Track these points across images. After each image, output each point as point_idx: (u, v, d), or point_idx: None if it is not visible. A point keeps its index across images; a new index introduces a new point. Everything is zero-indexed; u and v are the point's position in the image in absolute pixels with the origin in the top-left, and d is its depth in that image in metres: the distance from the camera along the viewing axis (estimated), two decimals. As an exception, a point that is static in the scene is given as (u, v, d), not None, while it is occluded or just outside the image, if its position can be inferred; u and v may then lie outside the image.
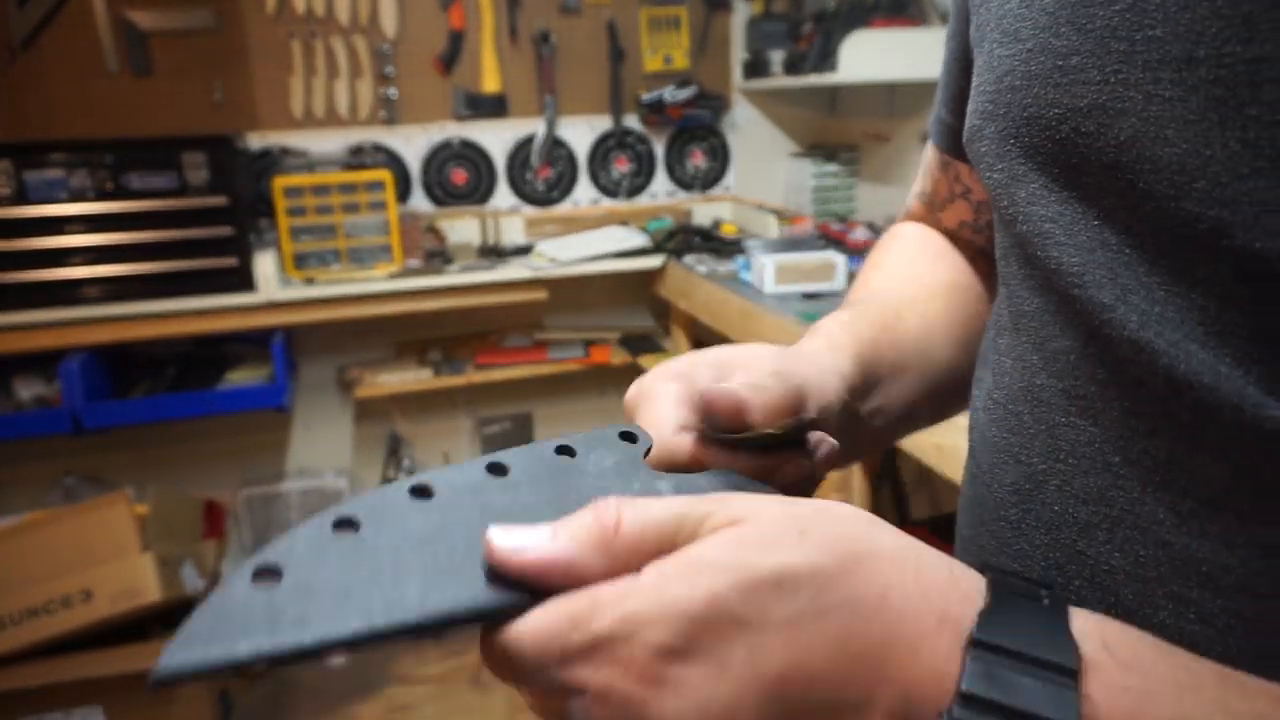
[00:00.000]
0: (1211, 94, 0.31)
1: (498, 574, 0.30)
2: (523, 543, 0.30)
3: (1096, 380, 0.37)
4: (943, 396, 0.54)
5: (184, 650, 0.27)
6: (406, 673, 2.37)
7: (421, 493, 0.32)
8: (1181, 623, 0.34)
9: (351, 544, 0.30)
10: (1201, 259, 0.32)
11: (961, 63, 0.54)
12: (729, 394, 0.37)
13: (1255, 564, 0.32)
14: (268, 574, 0.28)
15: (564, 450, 0.37)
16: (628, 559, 0.30)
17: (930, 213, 0.63)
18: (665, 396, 0.40)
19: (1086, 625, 0.29)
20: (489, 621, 0.30)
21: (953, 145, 0.57)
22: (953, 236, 0.62)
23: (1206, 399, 0.32)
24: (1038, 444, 0.41)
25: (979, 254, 0.60)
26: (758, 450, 0.39)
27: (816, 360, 0.45)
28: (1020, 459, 0.42)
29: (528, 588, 0.30)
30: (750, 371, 0.41)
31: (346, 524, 0.30)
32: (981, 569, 0.31)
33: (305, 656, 0.28)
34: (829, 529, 0.30)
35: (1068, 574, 0.39)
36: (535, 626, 0.29)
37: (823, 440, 0.41)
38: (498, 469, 0.34)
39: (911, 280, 0.57)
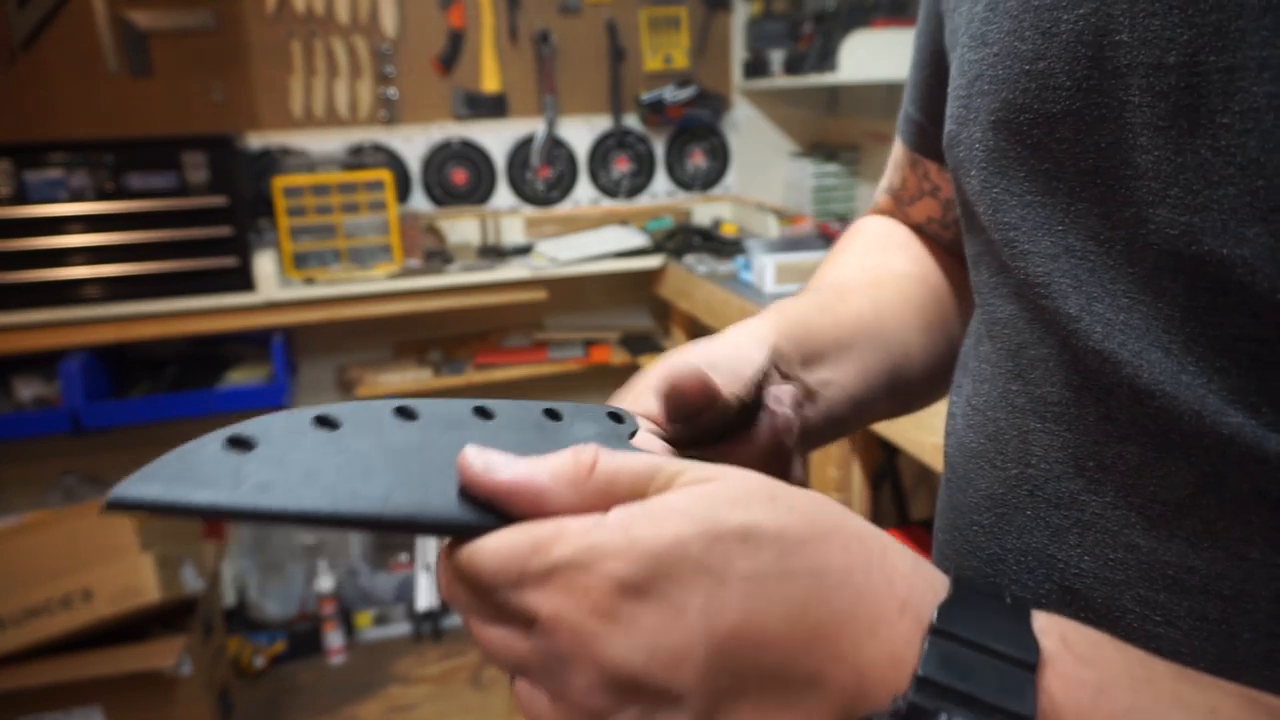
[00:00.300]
0: (1181, 101, 0.31)
1: (468, 493, 0.30)
2: (496, 463, 0.30)
3: (1070, 387, 0.37)
4: (905, 379, 0.54)
5: (143, 484, 0.27)
6: (406, 673, 2.37)
7: (406, 414, 0.32)
8: (1148, 625, 0.35)
9: (328, 438, 0.30)
10: (1169, 267, 0.32)
11: (930, 64, 0.54)
12: (692, 371, 0.38)
13: (1220, 567, 0.32)
14: (241, 444, 0.29)
15: (551, 413, 0.37)
16: (597, 500, 0.30)
17: (899, 207, 0.63)
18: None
19: (1046, 623, 0.29)
20: (452, 535, 0.31)
21: (921, 143, 0.57)
22: (920, 230, 0.62)
23: (1169, 407, 0.33)
24: (1011, 450, 0.41)
25: (946, 249, 0.61)
26: (716, 438, 0.40)
27: (731, 339, 0.45)
28: (995, 464, 0.42)
29: (496, 511, 0.30)
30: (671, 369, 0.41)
31: (327, 422, 0.31)
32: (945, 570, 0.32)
33: (260, 520, 0.28)
34: (800, 498, 0.30)
35: (1038, 578, 0.39)
36: (496, 545, 0.29)
37: (776, 406, 0.42)
38: (483, 413, 0.34)
39: (865, 270, 0.57)
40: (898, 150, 0.61)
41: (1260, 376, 0.30)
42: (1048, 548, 0.39)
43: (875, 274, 0.57)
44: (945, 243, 0.60)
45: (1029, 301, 0.39)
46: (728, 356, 0.42)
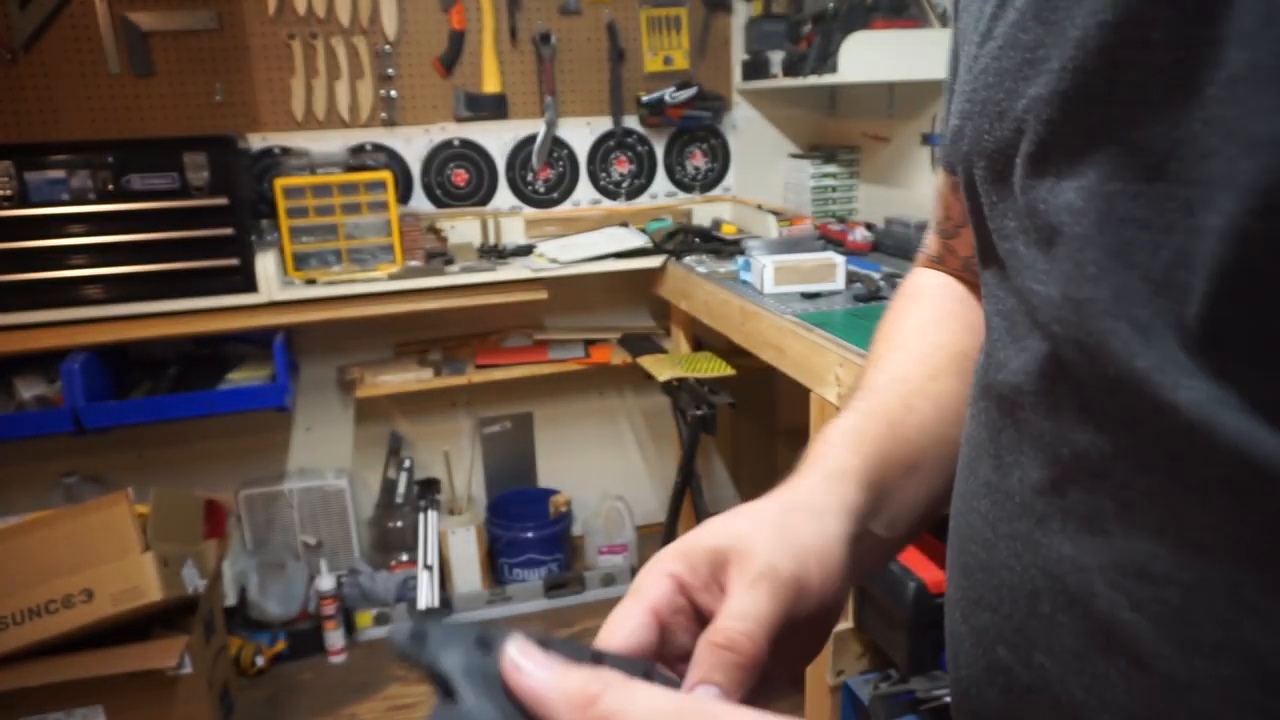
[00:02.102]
0: (1173, 77, 0.31)
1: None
2: (527, 665, 0.31)
3: (1052, 375, 0.38)
4: None
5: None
6: (406, 672, 2.37)
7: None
8: (1117, 610, 0.35)
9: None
10: (1165, 246, 0.32)
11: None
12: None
13: (1184, 554, 0.33)
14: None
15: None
16: None
17: (945, 244, 0.63)
18: (631, 615, 0.38)
19: None
20: None
21: None
22: (969, 267, 0.61)
23: (1139, 393, 0.33)
24: (1004, 438, 0.42)
25: None
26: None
27: (817, 509, 0.42)
28: (989, 452, 0.43)
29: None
30: (743, 569, 0.38)
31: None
32: None
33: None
34: None
35: (1025, 562, 0.40)
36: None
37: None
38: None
39: (924, 358, 0.56)
40: (940, 182, 0.62)
41: (1242, 354, 0.30)
42: (1033, 533, 0.40)
43: (933, 363, 0.55)
44: None
45: (1021, 290, 0.40)
46: (806, 557, 0.39)
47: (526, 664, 0.30)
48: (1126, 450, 0.35)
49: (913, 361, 0.56)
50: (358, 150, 2.43)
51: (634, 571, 2.64)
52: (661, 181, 2.72)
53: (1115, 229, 0.34)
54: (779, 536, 0.39)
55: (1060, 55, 0.35)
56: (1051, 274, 0.37)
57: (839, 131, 2.71)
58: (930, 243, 0.65)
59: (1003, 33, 0.40)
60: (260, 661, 2.36)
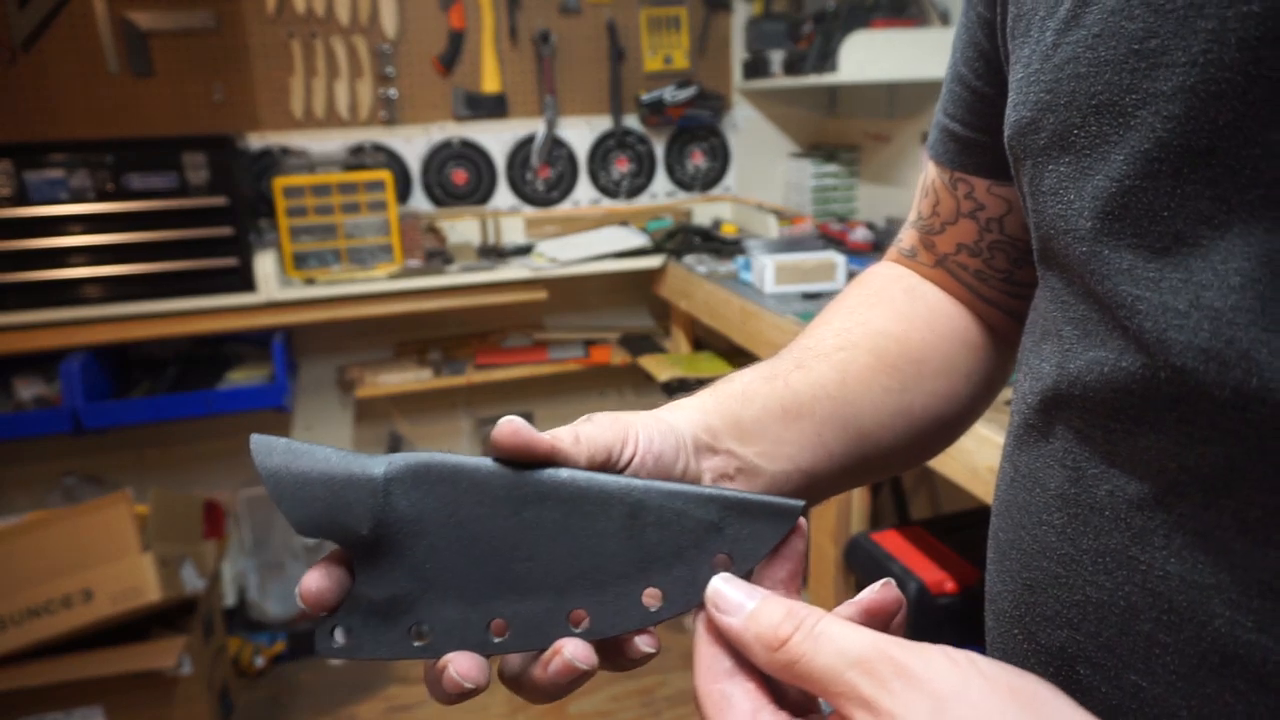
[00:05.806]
0: None
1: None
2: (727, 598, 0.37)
3: (1149, 387, 0.35)
4: (875, 444, 0.52)
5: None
6: (406, 673, 2.37)
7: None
8: (1237, 631, 0.33)
9: None
10: None
11: (981, 73, 0.51)
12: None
13: None
14: None
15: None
16: (780, 670, 0.33)
17: (925, 239, 0.60)
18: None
19: None
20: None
21: (965, 160, 0.55)
22: (941, 265, 0.59)
23: (1271, 409, 0.31)
24: (1087, 450, 0.39)
25: (964, 284, 0.58)
26: None
27: (654, 412, 0.46)
28: (1064, 464, 0.41)
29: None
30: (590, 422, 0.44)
31: None
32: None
33: None
34: None
35: (1117, 580, 0.38)
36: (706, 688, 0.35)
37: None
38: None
39: (840, 332, 0.55)
40: (930, 175, 0.59)
41: None
42: (1129, 549, 0.37)
43: (850, 336, 0.55)
44: (973, 272, 0.58)
45: (1108, 297, 0.37)
46: (644, 425, 0.43)
47: (725, 603, 0.35)
48: (1256, 465, 0.32)
49: (830, 333, 0.56)
50: (357, 150, 2.43)
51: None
52: (661, 181, 2.72)
53: (1262, 237, 0.31)
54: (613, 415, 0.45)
55: (1188, 48, 0.32)
56: (1168, 281, 0.34)
57: (839, 131, 2.71)
58: (905, 237, 0.62)
59: (1097, 20, 0.36)
60: (260, 662, 2.36)
